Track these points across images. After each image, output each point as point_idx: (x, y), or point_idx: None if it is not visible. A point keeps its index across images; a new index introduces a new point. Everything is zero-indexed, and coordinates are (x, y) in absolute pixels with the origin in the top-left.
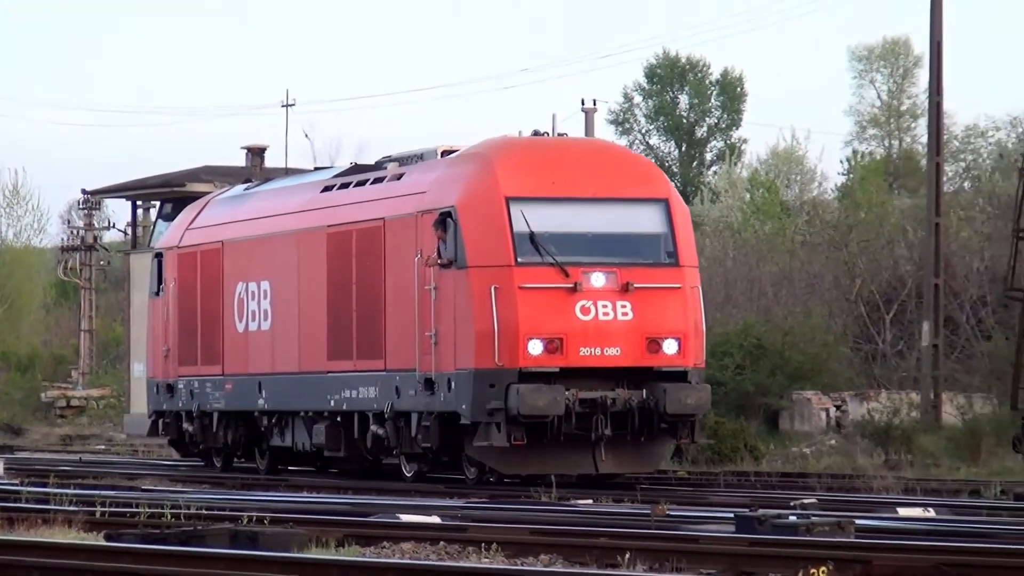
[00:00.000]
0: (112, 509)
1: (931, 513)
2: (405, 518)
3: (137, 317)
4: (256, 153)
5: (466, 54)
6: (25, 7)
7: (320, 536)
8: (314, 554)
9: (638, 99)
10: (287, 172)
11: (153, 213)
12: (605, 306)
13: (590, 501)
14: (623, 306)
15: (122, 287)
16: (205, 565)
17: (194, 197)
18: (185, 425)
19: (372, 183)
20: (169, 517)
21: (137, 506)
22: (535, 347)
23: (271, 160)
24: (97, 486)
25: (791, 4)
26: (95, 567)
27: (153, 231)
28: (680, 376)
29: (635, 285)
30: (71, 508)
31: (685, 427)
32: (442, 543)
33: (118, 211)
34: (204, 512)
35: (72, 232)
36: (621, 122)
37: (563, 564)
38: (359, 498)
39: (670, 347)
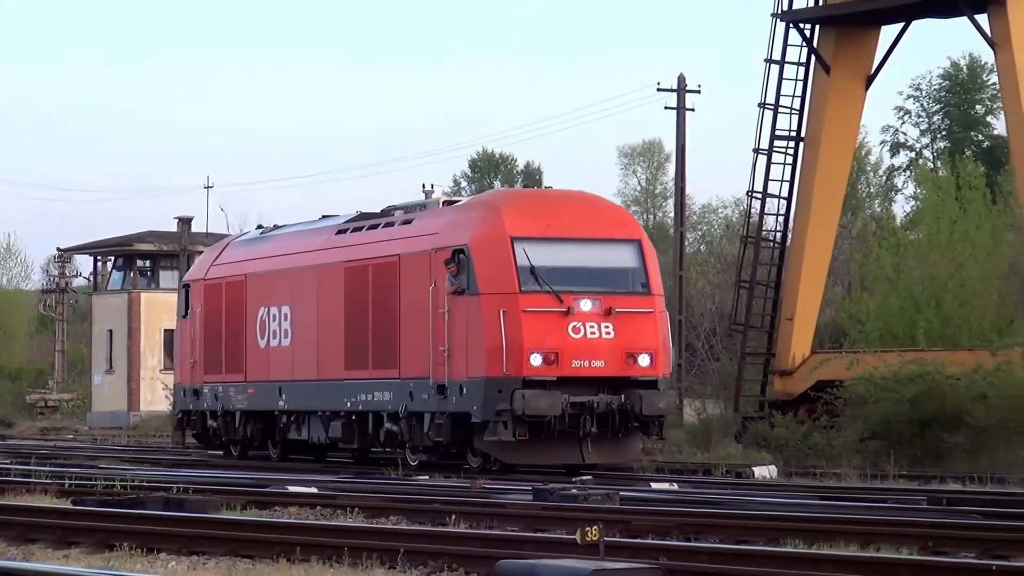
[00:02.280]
0: (77, 482)
1: (675, 487)
2: (292, 489)
3: (97, 341)
4: (185, 222)
5: (337, 148)
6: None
7: (229, 502)
8: (224, 515)
9: (464, 184)
10: (275, 227)
11: (109, 265)
12: (592, 327)
13: (427, 477)
14: (606, 327)
15: (86, 320)
16: (144, 522)
17: (140, 254)
18: (210, 422)
19: (383, 227)
20: (119, 488)
21: (95, 480)
22: (536, 359)
23: (196, 227)
24: (66, 465)
25: (577, 113)
26: (64, 524)
27: (109, 278)
28: (652, 384)
29: (616, 309)
30: (47, 481)
31: (655, 425)
32: (318, 507)
33: (83, 264)
34: (145, 484)
35: (49, 279)
36: (451, 203)
37: (407, 523)
38: (259, 474)
39: (644, 360)
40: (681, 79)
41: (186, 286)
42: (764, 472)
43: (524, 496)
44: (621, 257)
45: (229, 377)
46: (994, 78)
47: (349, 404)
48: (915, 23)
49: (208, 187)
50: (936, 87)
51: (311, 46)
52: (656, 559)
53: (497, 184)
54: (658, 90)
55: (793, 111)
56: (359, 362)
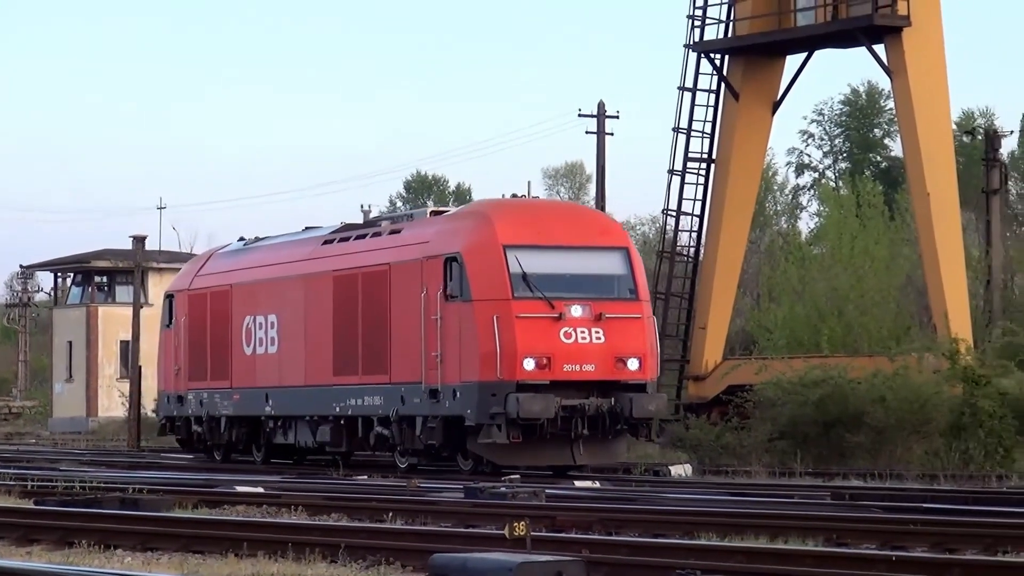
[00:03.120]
0: (39, 483)
1: (598, 484)
2: (240, 489)
3: (58, 351)
4: (139, 240)
5: (281, 170)
6: None
7: (182, 501)
8: (177, 513)
9: (399, 204)
10: (256, 239)
11: (69, 281)
12: (583, 332)
13: (366, 477)
14: (597, 332)
15: (47, 332)
16: (102, 521)
17: (97, 271)
18: (195, 427)
19: (371, 237)
20: (78, 488)
21: (56, 481)
22: (529, 364)
23: (150, 245)
24: (28, 467)
25: (503, 139)
26: (27, 523)
27: (69, 293)
28: (641, 387)
29: (606, 315)
30: (10, 482)
31: (644, 427)
32: (264, 506)
33: (45, 280)
34: (103, 485)
35: (13, 294)
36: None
37: (347, 520)
38: (209, 475)
39: (633, 364)
40: (601, 105)
41: (169, 296)
42: (680, 471)
43: (456, 494)
44: (610, 264)
45: (214, 384)
46: (891, 103)
47: (338, 409)
48: (817, 53)
49: (161, 207)
50: (837, 112)
51: (257, 72)
52: (579, 552)
53: (430, 203)
54: (579, 116)
55: (705, 135)
56: (348, 368)
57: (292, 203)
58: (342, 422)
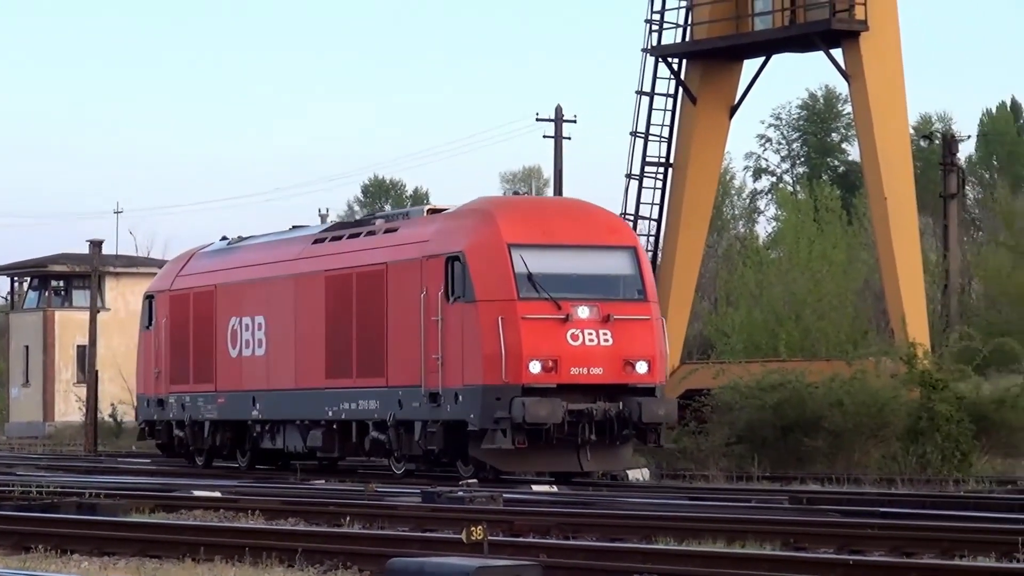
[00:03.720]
0: None
1: (555, 489)
2: (197, 493)
3: (15, 356)
4: (96, 244)
5: (238, 175)
6: None
7: (139, 506)
8: (134, 517)
9: (357, 208)
10: (240, 238)
11: (25, 285)
12: (590, 334)
13: (323, 481)
14: (604, 334)
15: (3, 336)
16: (58, 525)
17: (54, 275)
18: (176, 432)
19: (365, 236)
20: (35, 493)
21: (13, 486)
22: (535, 367)
23: (107, 249)
24: None
25: (462, 141)
26: None
27: (26, 297)
28: (650, 391)
29: (614, 316)
30: None
31: (653, 433)
32: (222, 510)
33: (1, 284)
34: (60, 490)
35: None
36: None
37: (304, 524)
38: (167, 479)
39: (642, 367)
40: (559, 110)
41: (149, 297)
42: (637, 475)
43: (414, 499)
44: (617, 264)
45: (197, 387)
46: (849, 108)
47: (331, 413)
48: (775, 57)
49: (118, 212)
50: (795, 116)
51: (214, 77)
52: (536, 556)
53: (387, 207)
54: (537, 120)
55: (662, 139)
56: (342, 371)
57: (249, 207)
58: (335, 426)
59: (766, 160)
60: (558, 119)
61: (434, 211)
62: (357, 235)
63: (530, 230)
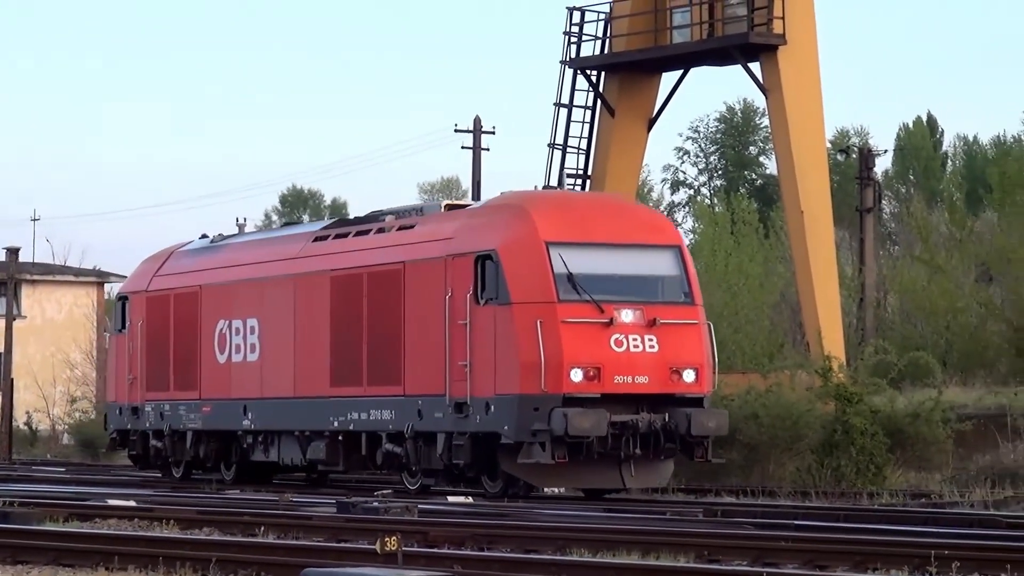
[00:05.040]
0: None
1: (471, 500)
2: (112, 502)
3: None
4: (12, 252)
5: (155, 183)
6: None
7: (53, 514)
8: (47, 526)
9: (275, 218)
10: (221, 236)
11: None
12: (635, 339)
13: (238, 491)
14: (650, 339)
15: None
16: None
17: None
18: (153, 442)
19: (375, 233)
20: None
21: None
22: (576, 375)
23: (23, 256)
24: None
25: (380, 153)
26: None
27: None
28: (698, 402)
29: (660, 321)
30: None
31: (701, 447)
32: (136, 519)
33: None
34: None
35: None
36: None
37: (219, 534)
38: (81, 488)
39: (689, 376)
40: (477, 121)
41: (123, 298)
42: (553, 487)
43: (329, 509)
44: (661, 264)
45: (179, 395)
46: (766, 121)
47: (336, 423)
48: (693, 70)
49: (35, 219)
50: (713, 129)
51: (133, 85)
52: (451, 567)
53: (306, 218)
54: (456, 131)
55: (580, 151)
56: (350, 378)
57: (167, 216)
58: (340, 438)
59: (684, 173)
60: (476, 130)
61: (452, 207)
62: (366, 232)
63: (568, 227)
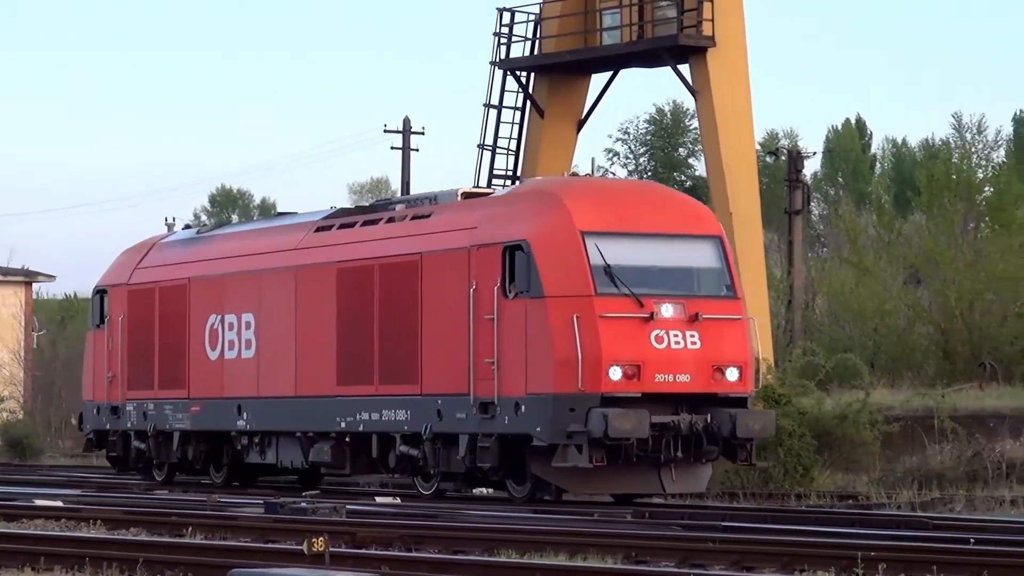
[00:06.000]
0: None
1: (399, 501)
2: (39, 502)
3: None
4: None
5: (81, 183)
6: None
7: None
8: None
9: (204, 217)
10: (205, 226)
11: None
12: (676, 335)
13: (167, 491)
14: (692, 335)
15: None
16: None
17: None
18: (135, 443)
19: (385, 223)
20: None
21: None
22: (615, 373)
23: None
24: None
25: (308, 153)
26: None
27: None
28: (741, 402)
29: (702, 316)
30: None
31: (744, 450)
32: (63, 520)
33: None
34: None
35: None
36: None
37: (146, 534)
38: (7, 489)
39: (732, 374)
40: (407, 121)
41: (101, 292)
42: (482, 488)
43: (256, 509)
44: (703, 256)
45: (164, 393)
46: (695, 123)
47: (344, 424)
48: (623, 72)
49: None
50: (642, 131)
51: (57, 85)
52: (378, 568)
53: (235, 218)
54: (385, 131)
55: (510, 152)
56: (359, 376)
57: (95, 215)
58: (347, 439)
59: (613, 174)
60: (406, 131)
61: (470, 195)
62: (375, 222)
63: (604, 216)
